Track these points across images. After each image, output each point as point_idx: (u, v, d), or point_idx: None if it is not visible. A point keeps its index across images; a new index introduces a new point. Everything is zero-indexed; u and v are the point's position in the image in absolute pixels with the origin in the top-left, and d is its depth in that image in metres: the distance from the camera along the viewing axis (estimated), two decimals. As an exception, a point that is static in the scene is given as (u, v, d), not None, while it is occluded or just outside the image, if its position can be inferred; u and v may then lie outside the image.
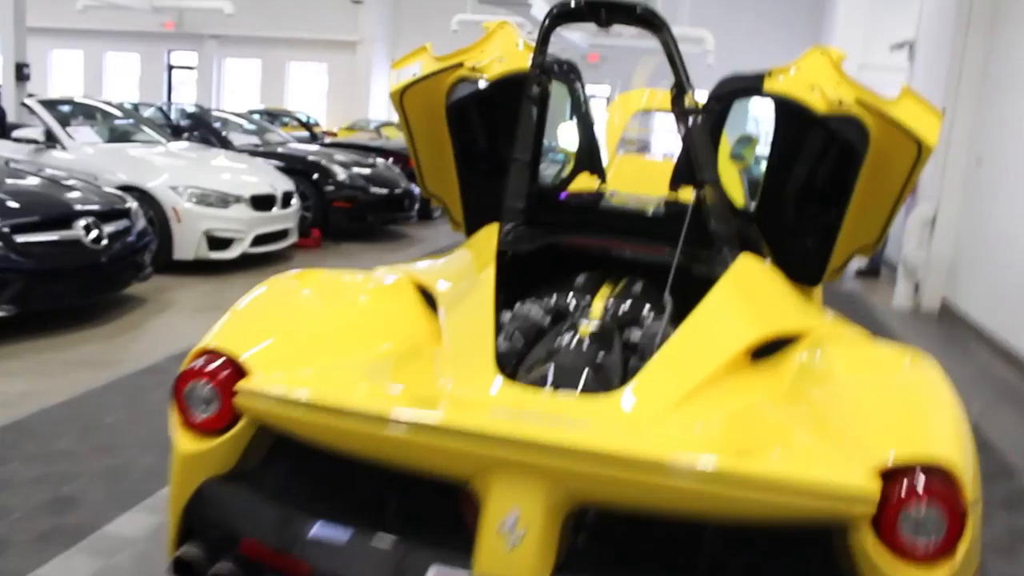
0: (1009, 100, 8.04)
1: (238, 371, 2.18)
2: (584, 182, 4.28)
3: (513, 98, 3.15)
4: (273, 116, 18.85)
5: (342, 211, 9.96)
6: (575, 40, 19.93)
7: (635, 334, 2.78)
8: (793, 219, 3.60)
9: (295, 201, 8.78)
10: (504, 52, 3.48)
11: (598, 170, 4.24)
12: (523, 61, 3.33)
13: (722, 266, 2.91)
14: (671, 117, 3.17)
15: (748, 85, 3.56)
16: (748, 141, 5.30)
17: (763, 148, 5.33)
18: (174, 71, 29.34)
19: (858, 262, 9.67)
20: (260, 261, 8.37)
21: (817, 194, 3.47)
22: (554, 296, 2.98)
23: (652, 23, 2.81)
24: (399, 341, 2.62)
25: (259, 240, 8.19)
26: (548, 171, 4.40)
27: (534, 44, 3.17)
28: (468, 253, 3.25)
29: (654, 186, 4.33)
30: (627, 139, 5.67)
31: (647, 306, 2.93)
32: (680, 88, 2.88)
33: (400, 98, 3.61)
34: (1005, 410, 5.93)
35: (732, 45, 20.60)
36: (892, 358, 2.55)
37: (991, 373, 6.92)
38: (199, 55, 27.97)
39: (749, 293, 2.90)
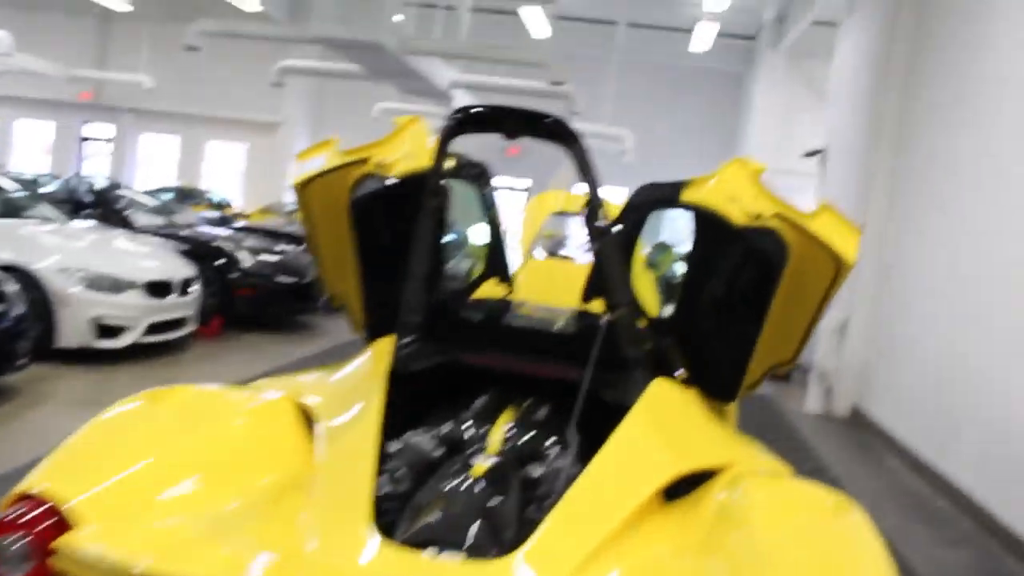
0: (916, 209, 8.20)
1: (62, 523, 1.84)
2: (492, 288, 4.09)
3: (420, 198, 2.97)
4: (186, 194, 18.38)
5: (246, 299, 9.54)
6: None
7: (537, 471, 2.52)
8: (709, 331, 3.48)
9: (195, 288, 8.35)
10: (413, 149, 3.33)
11: (506, 278, 4.05)
12: (432, 159, 3.17)
13: (634, 392, 2.71)
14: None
15: (666, 195, 3.49)
16: (664, 249, 5.19)
17: (679, 255, 5.24)
18: (89, 143, 28.61)
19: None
20: (153, 351, 7.89)
21: (734, 307, 3.36)
22: (449, 423, 2.71)
23: (564, 137, 2.63)
24: (271, 479, 2.31)
25: (154, 328, 7.73)
26: (460, 266, 4.23)
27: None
28: (359, 369, 2.99)
29: (567, 292, 4.19)
30: (543, 239, 5.53)
31: (552, 438, 2.68)
32: (593, 205, 2.69)
33: (303, 191, 3.41)
34: (919, 527, 5.80)
35: (650, 144, 21.04)
36: (816, 503, 2.36)
37: (903, 484, 6.84)
38: (116, 128, 27.38)
39: (663, 424, 2.69)
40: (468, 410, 2.83)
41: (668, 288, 4.60)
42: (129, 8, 18.95)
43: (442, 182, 2.90)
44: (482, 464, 2.37)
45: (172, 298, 7.88)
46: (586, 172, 2.63)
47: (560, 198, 5.85)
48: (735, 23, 18.29)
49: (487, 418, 2.75)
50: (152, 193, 16.44)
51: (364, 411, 2.52)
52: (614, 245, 2.79)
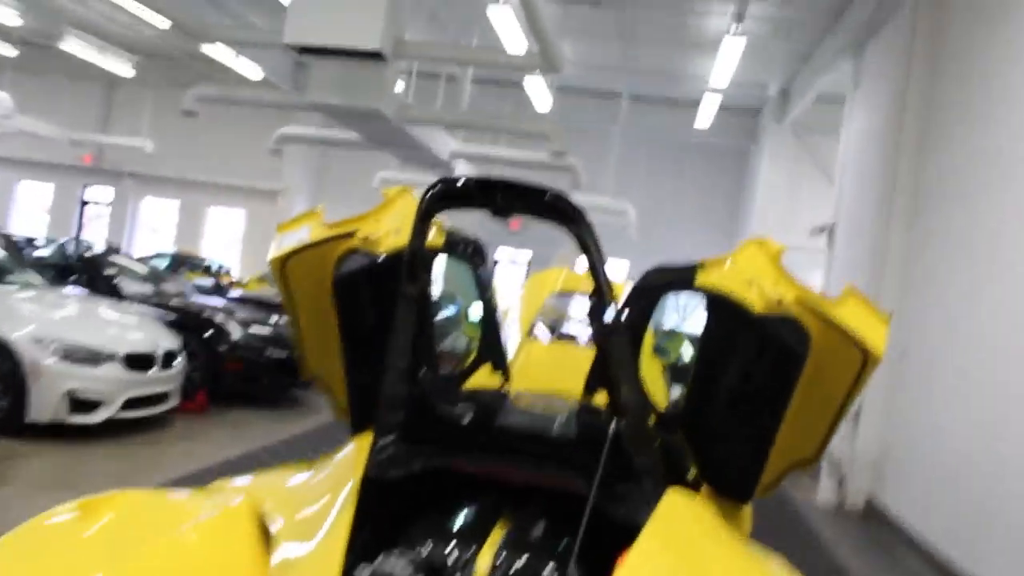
0: (930, 291, 7.88)
1: None
2: (486, 377, 3.76)
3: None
4: (181, 261, 18.15)
5: (234, 373, 9.17)
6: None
7: None
8: (722, 426, 3.20)
9: (179, 361, 7.98)
10: (402, 223, 3.07)
11: (501, 366, 3.72)
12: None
13: (645, 508, 2.37)
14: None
15: (679, 278, 3.19)
16: (673, 335, 4.87)
17: (688, 338, 4.96)
18: (89, 206, 28.53)
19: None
20: (133, 427, 7.47)
21: (750, 400, 3.08)
22: (430, 542, 2.34)
23: (564, 215, 2.30)
24: None
25: (133, 403, 7.33)
26: (455, 345, 3.96)
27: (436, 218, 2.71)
28: (330, 474, 2.64)
29: (570, 378, 3.91)
30: (542, 321, 5.19)
31: (549, 563, 2.30)
32: (600, 296, 2.37)
33: (282, 266, 3.14)
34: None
35: (653, 217, 20.89)
36: None
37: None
38: (116, 191, 27.30)
39: (680, 548, 2.34)
40: (452, 526, 2.46)
41: (677, 376, 4.28)
42: (133, 73, 18.98)
43: (423, 264, 2.59)
44: None
45: (154, 371, 7.51)
46: (591, 256, 2.31)
47: (562, 276, 5.54)
48: (738, 98, 18.25)
49: (475, 537, 2.39)
50: (148, 259, 16.24)
51: (330, 528, 2.19)
52: (622, 343, 2.46)
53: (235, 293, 13.43)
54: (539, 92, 16.37)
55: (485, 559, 2.26)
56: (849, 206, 10.90)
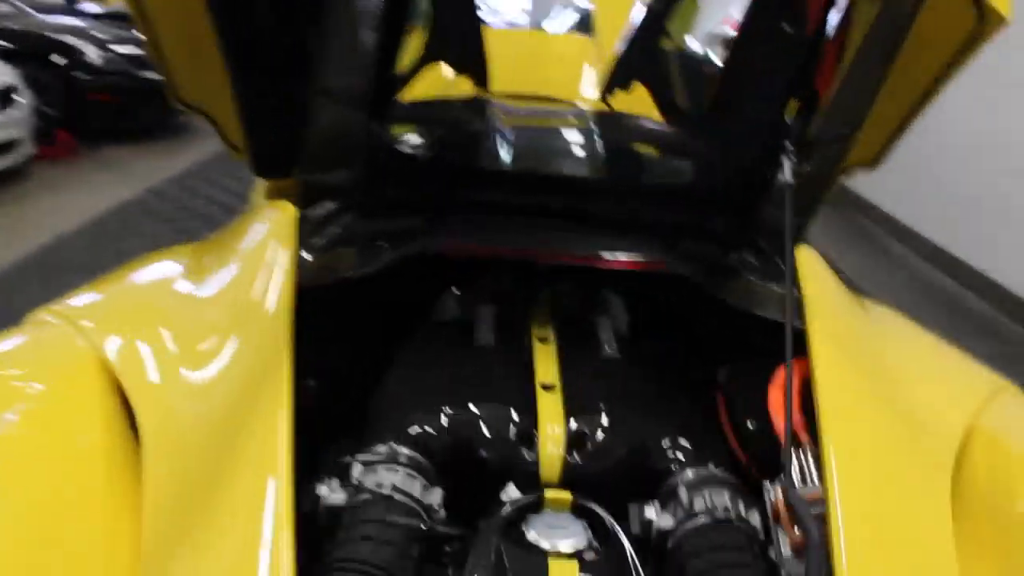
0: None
1: None
2: (433, 80, 2.61)
3: None
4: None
5: (101, 106, 7.64)
6: None
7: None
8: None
9: (22, 99, 6.41)
10: None
11: (472, 64, 2.57)
12: None
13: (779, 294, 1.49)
14: None
15: None
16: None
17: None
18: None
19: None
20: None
21: None
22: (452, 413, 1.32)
23: None
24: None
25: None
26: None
27: None
28: (231, 284, 1.52)
29: (539, 77, 2.93)
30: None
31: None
32: None
33: None
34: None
35: None
36: None
37: (921, 276, 5.83)
38: None
39: (861, 343, 1.44)
40: (482, 372, 1.44)
41: (693, 70, 3.18)
42: None
43: None
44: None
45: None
46: None
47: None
48: None
49: (515, 392, 1.37)
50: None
51: (261, 393, 1.17)
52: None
53: (90, 7, 11.32)
54: None
55: (551, 430, 1.27)
56: None
